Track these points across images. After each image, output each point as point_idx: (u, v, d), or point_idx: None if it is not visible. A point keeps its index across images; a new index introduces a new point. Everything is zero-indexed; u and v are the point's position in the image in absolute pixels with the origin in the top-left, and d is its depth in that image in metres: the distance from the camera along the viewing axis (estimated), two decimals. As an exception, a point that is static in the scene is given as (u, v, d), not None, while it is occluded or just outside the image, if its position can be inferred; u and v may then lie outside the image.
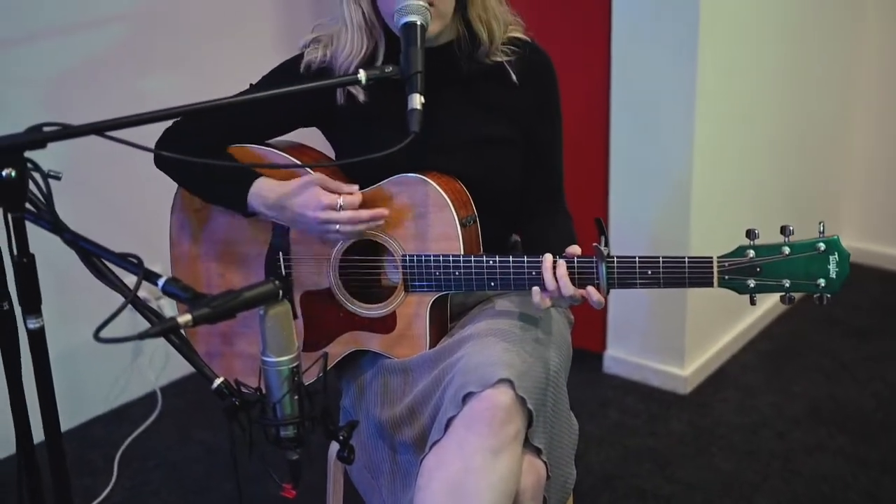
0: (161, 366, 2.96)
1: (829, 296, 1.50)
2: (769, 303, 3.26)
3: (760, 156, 3.09)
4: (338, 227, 1.59)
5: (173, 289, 1.27)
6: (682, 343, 2.89)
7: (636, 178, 2.82)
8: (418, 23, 1.51)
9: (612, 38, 2.74)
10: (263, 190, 1.64)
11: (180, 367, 2.99)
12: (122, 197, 2.78)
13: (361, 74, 1.47)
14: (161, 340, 1.25)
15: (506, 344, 1.54)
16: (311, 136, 1.80)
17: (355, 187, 1.62)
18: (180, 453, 2.67)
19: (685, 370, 2.90)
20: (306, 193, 1.60)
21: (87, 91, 2.64)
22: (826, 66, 3.36)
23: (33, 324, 1.30)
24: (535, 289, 1.55)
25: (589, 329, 2.98)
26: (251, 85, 1.72)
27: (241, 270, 1.75)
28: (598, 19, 2.75)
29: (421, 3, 1.52)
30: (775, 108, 3.11)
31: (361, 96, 1.67)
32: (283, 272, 1.70)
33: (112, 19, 2.65)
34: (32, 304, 1.29)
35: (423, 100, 1.46)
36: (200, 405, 2.90)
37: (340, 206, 1.58)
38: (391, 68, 1.49)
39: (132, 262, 1.29)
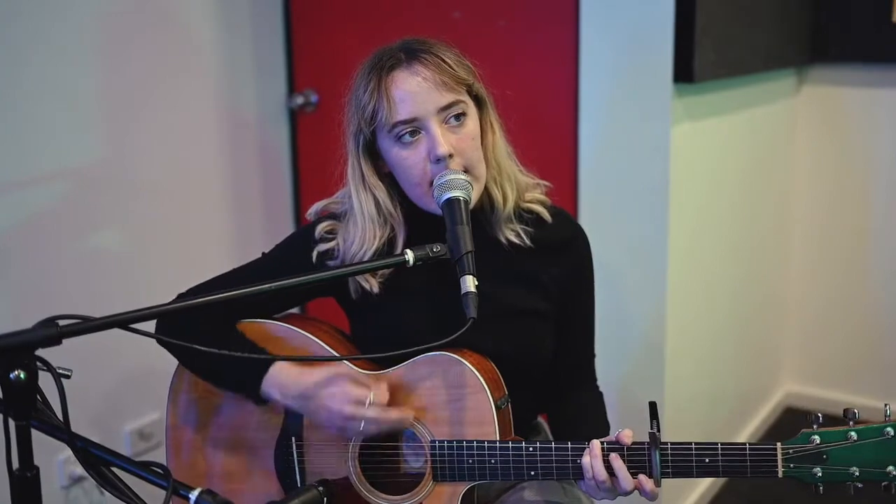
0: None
1: (898, 484, 1.39)
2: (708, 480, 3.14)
3: (722, 311, 3.06)
4: (362, 423, 1.43)
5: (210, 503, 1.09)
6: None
7: (609, 335, 2.73)
8: (462, 198, 1.40)
9: (579, 202, 2.68)
10: (283, 378, 1.48)
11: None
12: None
13: (409, 255, 1.35)
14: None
15: None
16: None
17: (384, 385, 1.46)
18: None
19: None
20: (334, 386, 1.45)
21: (33, 250, 2.42)
22: (768, 231, 3.41)
23: (32, 551, 1.10)
24: (592, 484, 1.41)
25: None
26: (263, 253, 1.59)
27: (248, 458, 1.56)
28: (565, 189, 2.69)
29: (464, 177, 1.42)
30: (734, 265, 3.10)
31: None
32: (296, 459, 1.53)
33: (55, 176, 2.45)
34: (34, 527, 1.10)
35: (476, 282, 1.34)
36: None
37: (370, 403, 1.43)
38: (439, 248, 1.36)
39: (157, 473, 1.12)
